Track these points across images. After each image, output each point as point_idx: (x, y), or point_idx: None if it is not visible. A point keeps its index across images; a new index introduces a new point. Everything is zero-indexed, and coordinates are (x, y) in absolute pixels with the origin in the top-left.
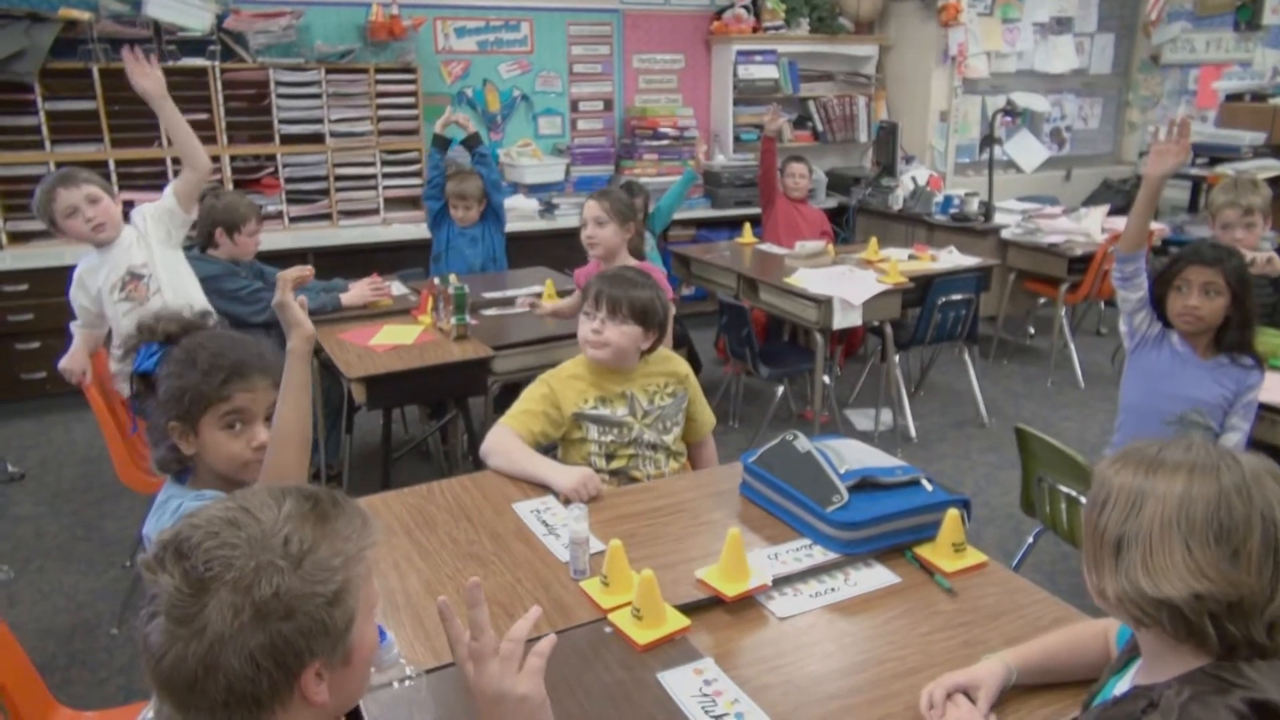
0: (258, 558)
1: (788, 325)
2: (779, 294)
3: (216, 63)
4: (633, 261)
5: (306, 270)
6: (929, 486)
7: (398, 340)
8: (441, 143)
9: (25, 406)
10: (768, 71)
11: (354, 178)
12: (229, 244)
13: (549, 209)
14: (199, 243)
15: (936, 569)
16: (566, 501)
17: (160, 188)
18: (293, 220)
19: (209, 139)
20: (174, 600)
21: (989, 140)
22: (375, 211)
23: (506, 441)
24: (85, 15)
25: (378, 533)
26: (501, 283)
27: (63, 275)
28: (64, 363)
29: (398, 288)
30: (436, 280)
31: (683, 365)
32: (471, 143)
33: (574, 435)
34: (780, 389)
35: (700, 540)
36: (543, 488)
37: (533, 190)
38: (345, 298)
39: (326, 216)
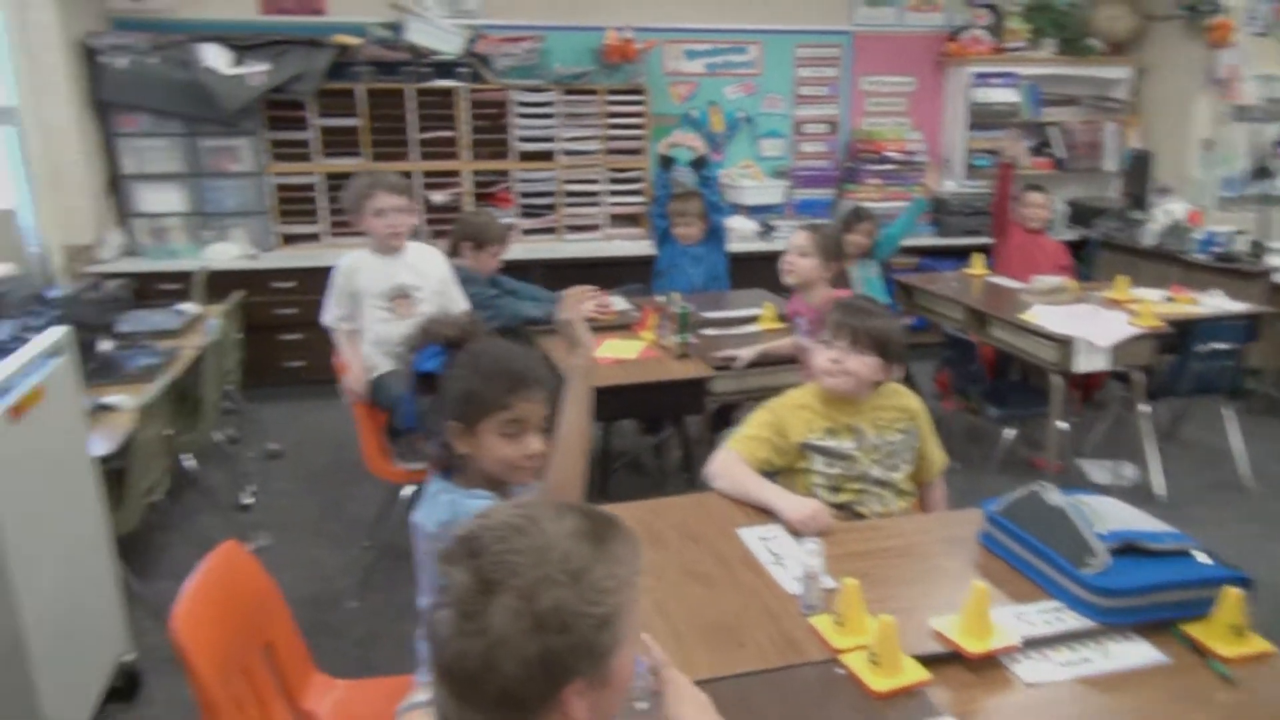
0: (541, 569)
1: (1017, 363)
2: (1013, 330)
3: (465, 84)
4: (830, 294)
5: (593, 292)
6: (1204, 558)
7: (621, 354)
8: (666, 162)
9: (285, 391)
10: (1006, 95)
11: (581, 194)
12: (471, 257)
13: (767, 231)
14: (445, 249)
15: (1212, 653)
16: (794, 532)
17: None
18: (523, 233)
19: (452, 154)
20: (463, 596)
21: (1261, 173)
22: (598, 227)
23: (733, 465)
24: (355, 40)
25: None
26: (723, 302)
27: (327, 275)
28: (350, 384)
29: (620, 302)
30: (661, 297)
31: (914, 401)
32: (699, 163)
33: (799, 465)
34: (1008, 432)
35: (933, 588)
36: (768, 514)
37: (753, 211)
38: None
39: (553, 230)
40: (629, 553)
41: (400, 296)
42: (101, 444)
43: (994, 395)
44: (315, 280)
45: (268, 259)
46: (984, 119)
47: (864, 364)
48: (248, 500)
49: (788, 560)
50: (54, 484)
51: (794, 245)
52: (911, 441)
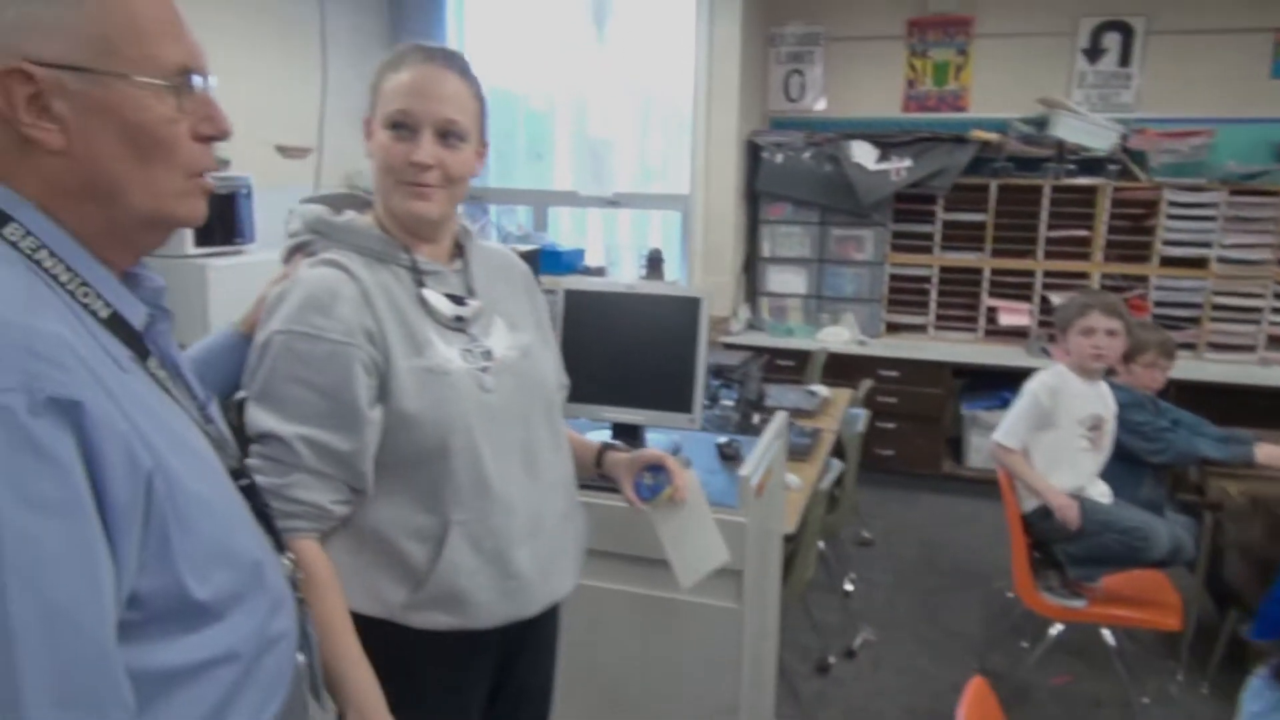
0: None
1: None
2: None
3: (1110, 181)
4: None
5: None
6: None
7: None
8: None
9: (871, 477)
10: None
11: (1236, 308)
12: (1124, 371)
13: None
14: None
15: None
16: None
17: (1027, 297)
18: None
19: (1083, 255)
20: None
21: None
22: (1253, 348)
23: None
24: (995, 137)
25: None
26: None
27: (930, 369)
28: (1068, 511)
29: None
30: None
31: None
32: None
33: None
34: None
35: None
36: None
37: None
38: (1261, 454)
39: (1193, 347)
40: None
41: (1095, 427)
42: (785, 523)
43: None
44: (917, 372)
45: (874, 345)
46: None
47: None
48: (848, 587)
49: None
50: (764, 559)
51: None
52: None
